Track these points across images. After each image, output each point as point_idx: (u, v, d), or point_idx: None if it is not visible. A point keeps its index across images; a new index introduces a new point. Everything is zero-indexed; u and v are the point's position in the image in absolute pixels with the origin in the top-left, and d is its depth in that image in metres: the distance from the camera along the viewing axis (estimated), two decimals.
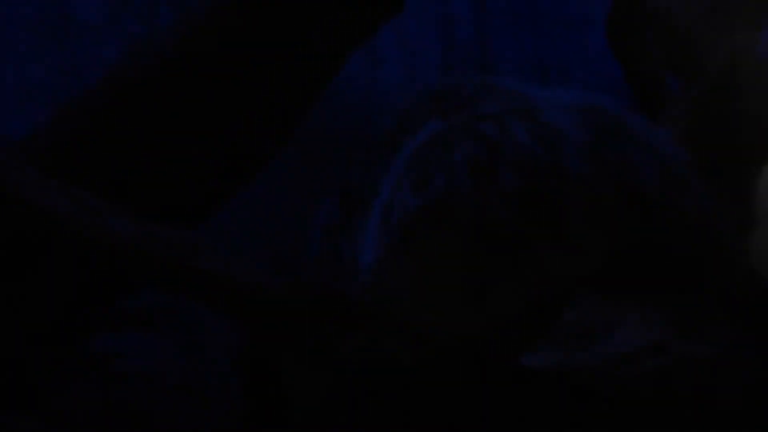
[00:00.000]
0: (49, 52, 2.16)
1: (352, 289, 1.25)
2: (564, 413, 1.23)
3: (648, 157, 1.25)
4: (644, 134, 1.27)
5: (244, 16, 1.61)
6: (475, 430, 1.21)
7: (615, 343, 1.27)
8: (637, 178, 1.26)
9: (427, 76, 2.28)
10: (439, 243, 1.21)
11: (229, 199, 1.68)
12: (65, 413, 1.76)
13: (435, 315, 1.22)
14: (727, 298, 1.35)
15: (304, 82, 1.67)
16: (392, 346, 1.19)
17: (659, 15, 2.08)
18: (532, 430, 1.21)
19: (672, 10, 2.08)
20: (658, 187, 1.27)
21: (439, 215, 1.20)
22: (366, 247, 1.25)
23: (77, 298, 1.59)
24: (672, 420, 1.24)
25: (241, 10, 1.61)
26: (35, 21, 2.19)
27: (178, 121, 1.61)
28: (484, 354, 1.21)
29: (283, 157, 1.71)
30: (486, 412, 1.20)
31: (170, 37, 1.64)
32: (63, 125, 1.64)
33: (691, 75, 2.04)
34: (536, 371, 1.21)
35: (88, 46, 2.17)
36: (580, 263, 1.24)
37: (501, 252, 1.21)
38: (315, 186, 1.86)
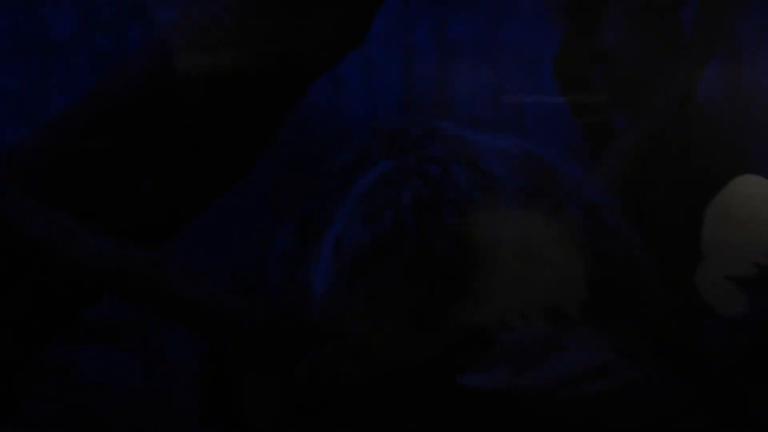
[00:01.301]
0: (20, 64, 2.24)
1: (307, 312, 1.36)
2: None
3: (577, 204, 1.38)
4: (575, 183, 1.39)
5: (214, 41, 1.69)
6: None
7: (563, 363, 1.38)
8: (566, 219, 1.38)
9: (387, 102, 2.38)
10: (386, 273, 1.33)
11: (191, 219, 1.76)
12: (24, 420, 1.81)
13: (382, 338, 1.34)
14: (649, 328, 1.47)
15: (269, 108, 1.75)
16: (343, 366, 1.31)
17: (608, 54, 2.18)
18: None
19: (621, 49, 2.18)
20: (585, 231, 1.39)
21: (387, 248, 1.32)
22: (318, 274, 1.36)
23: (45, 311, 1.66)
24: None
25: (212, 34, 1.69)
26: (7, 35, 2.27)
27: (146, 146, 1.69)
28: (426, 374, 1.33)
29: (245, 180, 1.79)
30: (429, 428, 1.31)
31: (143, 67, 1.72)
32: (37, 146, 1.70)
33: (638, 112, 2.14)
34: (476, 391, 1.32)
35: (58, 60, 2.26)
36: (511, 295, 1.35)
37: (441, 282, 1.33)
38: (273, 210, 1.96)
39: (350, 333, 1.32)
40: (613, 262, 1.39)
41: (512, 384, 1.34)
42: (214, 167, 1.74)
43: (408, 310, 1.34)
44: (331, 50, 1.75)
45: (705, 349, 1.47)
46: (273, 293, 1.41)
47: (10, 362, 1.67)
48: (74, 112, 1.73)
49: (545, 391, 1.35)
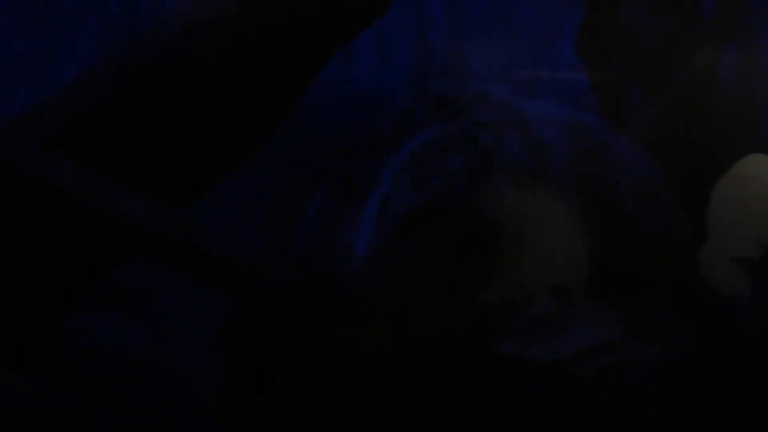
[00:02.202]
0: (29, 30, 2.24)
1: (343, 276, 1.36)
2: (533, 402, 1.34)
3: (624, 173, 1.38)
4: (623, 153, 1.40)
5: (234, 20, 1.69)
6: (452, 413, 1.33)
7: (570, 339, 1.38)
8: (613, 192, 1.38)
9: (399, 74, 2.38)
10: (432, 239, 1.33)
11: (213, 186, 1.77)
12: (33, 387, 1.81)
13: (422, 305, 1.34)
14: (680, 306, 1.47)
15: (290, 80, 1.76)
16: (379, 333, 1.31)
17: (630, 30, 2.19)
18: (498, 413, 1.33)
19: (642, 26, 2.19)
20: (632, 202, 1.40)
21: (435, 213, 1.32)
22: (361, 236, 1.36)
23: (71, 275, 1.66)
24: (621, 416, 1.36)
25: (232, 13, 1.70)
26: (16, 1, 2.26)
27: (175, 111, 1.69)
28: (463, 344, 1.33)
29: (264, 149, 1.79)
30: (463, 397, 1.32)
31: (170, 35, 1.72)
32: (65, 106, 1.70)
33: (657, 88, 2.15)
34: (507, 363, 1.33)
35: (67, 25, 2.25)
36: (558, 269, 1.36)
37: (489, 252, 1.33)
38: (292, 178, 1.96)
39: (388, 299, 1.32)
40: (655, 236, 1.40)
41: (521, 356, 1.35)
42: (237, 133, 1.75)
43: (449, 278, 1.34)
44: (357, 19, 1.76)
45: (731, 328, 1.49)
46: (305, 256, 1.41)
47: (34, 326, 1.67)
48: (92, 77, 1.73)
49: (553, 365, 1.35)
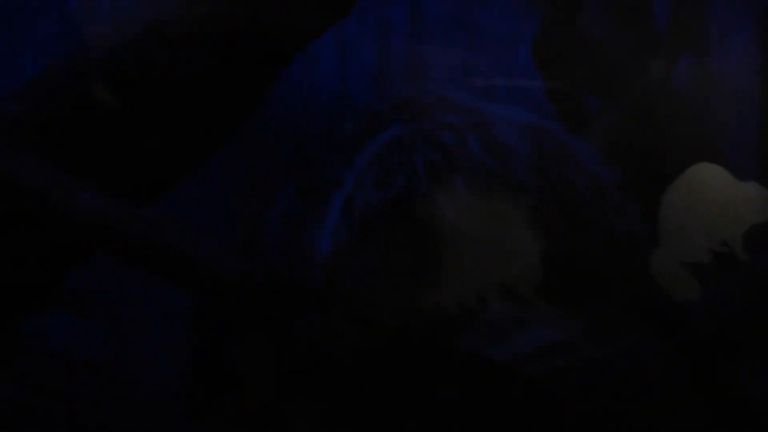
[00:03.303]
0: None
1: (306, 273, 1.39)
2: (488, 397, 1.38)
3: (582, 175, 1.42)
4: (580, 155, 1.44)
5: (194, 21, 1.72)
6: (413, 407, 1.36)
7: (524, 339, 1.42)
8: (571, 193, 1.42)
9: (360, 79, 2.41)
10: (396, 235, 1.36)
11: (175, 185, 1.78)
12: None
13: (383, 300, 1.37)
14: (635, 306, 1.51)
15: (251, 82, 1.78)
16: (343, 328, 1.34)
17: (585, 40, 2.23)
18: (454, 405, 1.36)
19: (598, 36, 2.23)
20: (589, 203, 1.44)
21: (397, 211, 1.36)
22: (324, 233, 1.39)
23: (29, 276, 1.66)
24: (575, 414, 1.39)
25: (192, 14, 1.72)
26: None
27: (134, 111, 1.70)
28: (423, 339, 1.36)
29: (227, 150, 1.81)
30: (424, 391, 1.35)
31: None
32: (24, 102, 1.71)
33: (612, 97, 2.19)
34: (469, 358, 1.36)
35: (27, 24, 2.26)
36: (512, 270, 1.39)
37: (449, 250, 1.36)
38: (253, 178, 1.98)
39: (352, 294, 1.35)
40: (613, 238, 1.44)
41: (477, 355, 1.38)
42: (198, 133, 1.77)
43: (411, 273, 1.37)
44: (317, 20, 1.78)
45: (684, 329, 1.52)
46: (270, 255, 1.43)
47: None
48: (52, 74, 1.74)
49: (508, 365, 1.39)
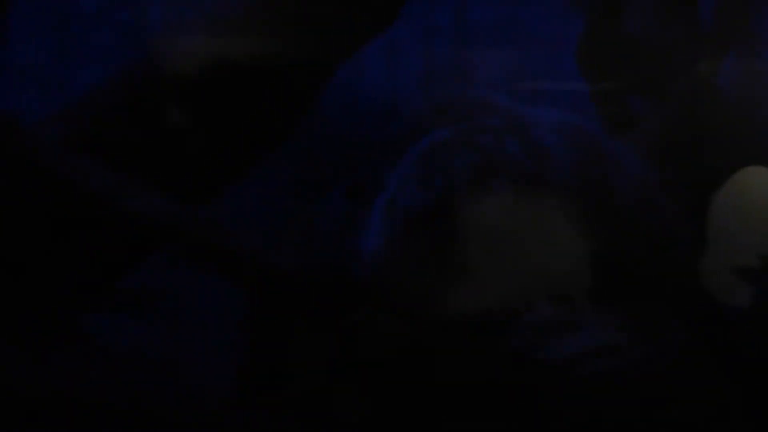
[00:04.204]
0: (43, 38, 2.31)
1: (354, 272, 1.45)
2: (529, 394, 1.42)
3: (624, 177, 1.47)
4: (621, 157, 1.48)
5: (246, 29, 1.78)
6: (459, 405, 1.40)
7: (570, 343, 1.45)
8: (613, 196, 1.47)
9: (407, 83, 2.45)
10: (437, 234, 1.42)
11: (227, 188, 1.84)
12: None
13: (427, 298, 1.42)
14: (680, 309, 1.54)
15: (300, 88, 1.84)
16: (388, 324, 1.39)
17: (630, 41, 2.25)
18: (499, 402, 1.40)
19: (642, 37, 2.25)
20: (631, 206, 1.48)
21: (438, 212, 1.41)
22: (369, 234, 1.45)
23: (93, 274, 1.73)
24: (621, 418, 1.42)
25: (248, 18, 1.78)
26: (30, 8, 2.33)
27: (190, 116, 1.77)
28: (469, 339, 1.41)
29: (277, 154, 1.87)
30: (469, 390, 1.40)
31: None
32: (84, 111, 1.78)
33: (657, 98, 2.21)
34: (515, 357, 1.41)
35: (80, 34, 2.32)
36: (557, 273, 1.44)
37: (490, 249, 1.41)
38: (305, 182, 2.04)
39: (398, 291, 1.40)
40: (654, 240, 1.47)
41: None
42: (249, 138, 1.83)
43: (453, 273, 1.42)
44: (365, 30, 1.84)
45: (730, 334, 1.55)
46: (321, 253, 1.49)
47: (55, 321, 1.74)
48: (108, 83, 1.81)
49: (556, 370, 1.42)
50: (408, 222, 1.43)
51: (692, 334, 1.50)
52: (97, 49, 2.25)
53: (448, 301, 1.44)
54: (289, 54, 1.78)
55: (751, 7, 2.31)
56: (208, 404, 1.71)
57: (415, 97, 2.24)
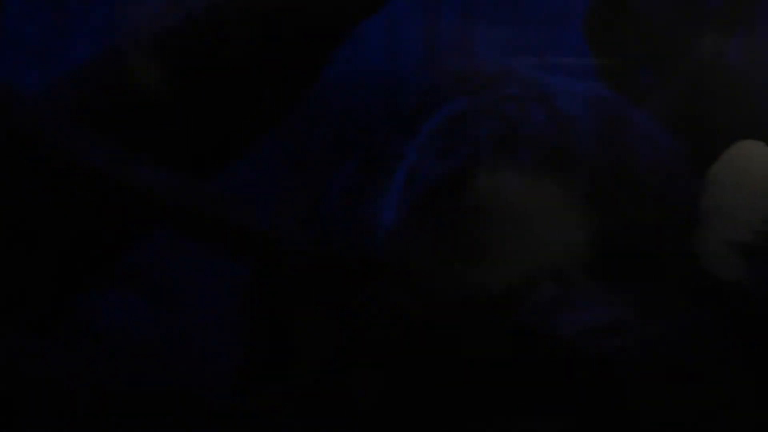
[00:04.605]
0: (40, 10, 2.29)
1: (368, 245, 1.42)
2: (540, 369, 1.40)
3: (647, 146, 1.44)
4: (645, 126, 1.45)
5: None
6: (473, 380, 1.38)
7: (575, 320, 1.44)
8: (636, 165, 1.44)
9: (408, 58, 2.43)
10: (458, 207, 1.38)
11: (232, 162, 1.82)
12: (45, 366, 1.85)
13: (445, 272, 1.39)
14: (688, 286, 1.52)
15: (303, 62, 1.81)
16: (402, 298, 1.36)
17: (639, 14, 2.23)
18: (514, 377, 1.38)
19: (652, 10, 2.24)
20: (654, 174, 1.45)
21: (461, 183, 1.38)
22: (387, 206, 1.42)
23: (95, 251, 1.71)
24: (627, 394, 1.41)
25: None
26: None
27: (191, 90, 1.74)
28: (485, 312, 1.38)
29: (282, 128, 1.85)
30: (484, 364, 1.37)
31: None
32: (81, 84, 1.75)
33: (666, 73, 2.20)
34: (530, 329, 1.39)
35: (78, 6, 2.30)
36: (576, 239, 1.41)
37: (512, 221, 1.38)
38: (311, 154, 2.01)
39: (414, 266, 1.37)
40: (676, 212, 1.45)
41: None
42: (253, 112, 1.80)
43: (473, 246, 1.39)
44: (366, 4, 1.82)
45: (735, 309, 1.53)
46: (331, 227, 1.46)
47: (56, 300, 1.72)
48: (106, 56, 1.78)
49: (565, 346, 1.40)
50: (429, 192, 1.40)
51: (700, 312, 1.49)
52: (96, 25, 2.23)
53: (466, 275, 1.42)
54: (290, 29, 1.76)
55: None
56: (211, 390, 1.69)
57: (420, 69, 2.22)
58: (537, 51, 2.52)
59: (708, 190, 1.65)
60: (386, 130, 1.47)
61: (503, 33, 2.52)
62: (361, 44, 2.41)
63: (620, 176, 1.43)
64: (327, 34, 1.81)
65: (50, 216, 1.65)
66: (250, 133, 1.79)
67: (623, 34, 2.24)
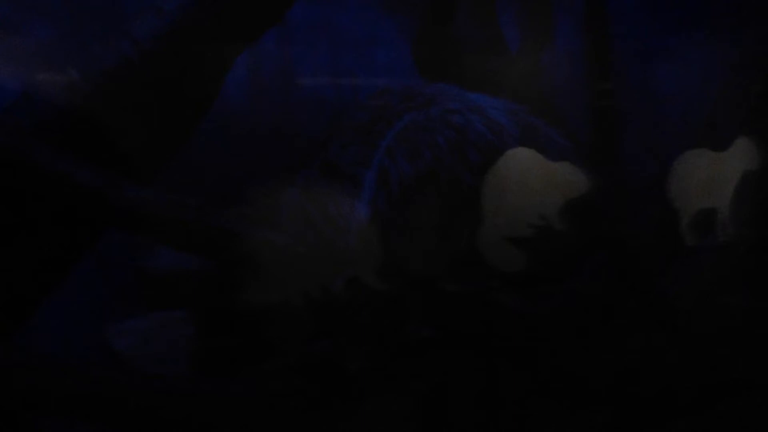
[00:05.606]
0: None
1: (341, 239, 1.72)
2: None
3: (552, 146, 1.83)
4: (547, 131, 1.85)
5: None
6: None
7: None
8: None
9: (233, 79, 2.64)
10: (427, 199, 1.73)
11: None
12: None
13: (414, 252, 1.73)
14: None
15: (203, 84, 2.05)
16: (372, 280, 1.68)
17: (457, 41, 2.53)
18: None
19: (467, 37, 2.54)
20: (561, 172, 1.84)
21: (427, 179, 1.73)
22: (363, 202, 1.73)
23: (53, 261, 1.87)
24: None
25: None
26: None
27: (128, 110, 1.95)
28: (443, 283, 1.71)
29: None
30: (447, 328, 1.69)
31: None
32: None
33: (483, 88, 2.49)
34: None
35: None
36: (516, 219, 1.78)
37: (467, 206, 1.74)
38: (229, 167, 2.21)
39: (386, 256, 1.69)
40: (584, 196, 1.83)
41: None
42: (170, 127, 2.01)
43: (438, 229, 1.72)
44: (254, 32, 2.08)
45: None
46: (296, 227, 1.75)
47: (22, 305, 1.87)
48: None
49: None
50: (402, 189, 1.73)
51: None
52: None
53: (432, 255, 1.75)
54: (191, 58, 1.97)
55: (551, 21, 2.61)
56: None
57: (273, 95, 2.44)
58: (350, 71, 2.76)
59: (487, 191, 1.83)
60: (341, 141, 1.79)
61: (319, 54, 2.74)
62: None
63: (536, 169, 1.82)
64: (218, 60, 2.05)
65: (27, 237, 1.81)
66: (169, 146, 2.00)
67: (445, 58, 2.53)
